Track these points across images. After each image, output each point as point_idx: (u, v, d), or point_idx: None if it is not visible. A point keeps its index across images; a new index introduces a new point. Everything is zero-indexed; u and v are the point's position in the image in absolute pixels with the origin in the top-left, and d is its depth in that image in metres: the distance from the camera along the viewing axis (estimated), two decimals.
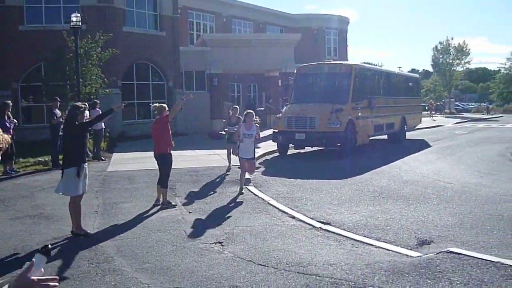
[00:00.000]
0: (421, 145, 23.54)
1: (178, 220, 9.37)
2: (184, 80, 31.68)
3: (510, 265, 6.33)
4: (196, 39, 37.73)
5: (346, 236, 8.01)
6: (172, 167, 11.05)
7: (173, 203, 10.67)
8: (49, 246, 2.16)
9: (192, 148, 21.21)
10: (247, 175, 12.87)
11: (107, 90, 22.24)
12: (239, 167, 12.89)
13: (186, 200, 11.29)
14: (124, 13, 27.45)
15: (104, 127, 18.64)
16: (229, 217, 9.57)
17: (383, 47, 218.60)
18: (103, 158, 18.19)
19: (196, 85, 32.18)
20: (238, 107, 15.91)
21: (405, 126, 25.90)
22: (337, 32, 48.17)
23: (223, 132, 16.40)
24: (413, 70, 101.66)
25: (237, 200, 11.12)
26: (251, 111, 12.96)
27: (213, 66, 31.82)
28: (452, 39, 69.85)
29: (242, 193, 11.80)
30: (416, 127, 30.21)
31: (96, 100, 18.61)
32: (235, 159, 13.61)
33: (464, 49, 68.67)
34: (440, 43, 69.46)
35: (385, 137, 24.90)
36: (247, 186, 12.51)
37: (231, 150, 15.07)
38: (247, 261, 6.86)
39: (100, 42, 21.36)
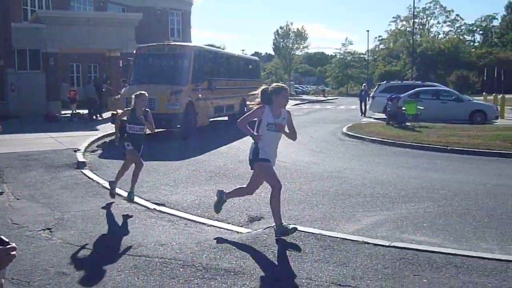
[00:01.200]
0: None
1: (4, 208, 8.83)
2: (16, 59, 29.71)
3: (329, 236, 6.85)
4: (31, 15, 35.43)
5: (179, 216, 8.11)
6: (2, 151, 10.41)
7: (0, 190, 10.05)
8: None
9: (25, 131, 20.03)
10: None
11: None
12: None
13: (15, 186, 10.66)
14: None
15: None
16: (61, 202, 9.22)
17: (227, 30, 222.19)
18: None
19: (30, 64, 30.36)
20: (146, 94, 9.26)
21: (245, 108, 26.57)
22: (180, 13, 47.91)
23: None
24: (256, 54, 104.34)
25: (70, 184, 10.72)
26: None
27: (49, 44, 30.26)
28: (292, 24, 72.87)
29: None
30: None
31: None
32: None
33: (303, 34, 72.17)
34: (281, 27, 72.32)
35: (226, 118, 25.41)
36: (82, 170, 12.13)
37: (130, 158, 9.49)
38: (76, 246, 6.69)
39: None
